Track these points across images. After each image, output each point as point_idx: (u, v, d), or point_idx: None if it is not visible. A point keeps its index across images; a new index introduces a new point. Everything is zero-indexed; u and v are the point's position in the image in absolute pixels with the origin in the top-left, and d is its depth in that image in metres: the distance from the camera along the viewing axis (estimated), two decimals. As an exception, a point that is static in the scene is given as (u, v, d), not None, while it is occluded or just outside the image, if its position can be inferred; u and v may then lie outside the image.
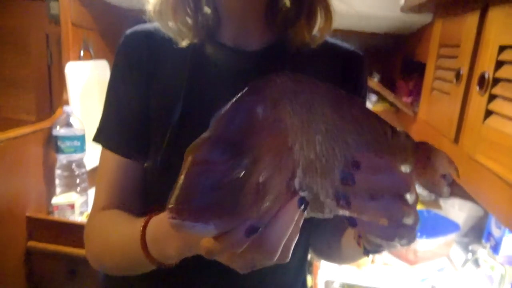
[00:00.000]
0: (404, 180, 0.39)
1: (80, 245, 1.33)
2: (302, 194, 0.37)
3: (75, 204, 1.41)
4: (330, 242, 0.71)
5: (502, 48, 0.74)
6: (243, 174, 0.32)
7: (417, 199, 0.41)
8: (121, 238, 0.57)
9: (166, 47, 0.62)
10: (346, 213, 0.38)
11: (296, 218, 0.35)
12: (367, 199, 0.37)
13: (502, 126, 0.71)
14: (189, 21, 0.61)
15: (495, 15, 0.78)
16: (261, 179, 0.33)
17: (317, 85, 0.39)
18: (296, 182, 0.37)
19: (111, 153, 0.64)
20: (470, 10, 0.91)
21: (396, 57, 1.74)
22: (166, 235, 0.48)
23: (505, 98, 0.72)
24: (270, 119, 0.35)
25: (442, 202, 1.53)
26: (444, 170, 0.48)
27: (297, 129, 0.37)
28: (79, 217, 1.43)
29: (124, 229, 0.56)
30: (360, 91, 0.69)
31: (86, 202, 1.51)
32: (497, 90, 0.75)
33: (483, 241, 1.31)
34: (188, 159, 0.33)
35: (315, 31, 0.64)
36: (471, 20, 0.89)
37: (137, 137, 0.63)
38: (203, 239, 0.35)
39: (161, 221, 0.50)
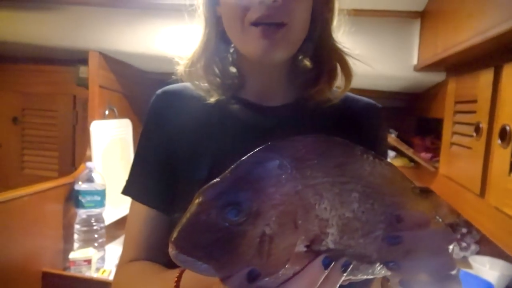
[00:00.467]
0: (449, 234, 0.40)
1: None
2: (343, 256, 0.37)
3: (92, 259, 1.39)
4: None
5: (520, 102, 0.76)
6: (245, 222, 0.34)
7: (454, 247, 0.41)
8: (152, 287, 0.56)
9: (194, 104, 0.66)
10: (396, 275, 0.38)
11: (321, 279, 0.35)
12: (416, 259, 0.37)
13: (529, 178, 0.70)
14: (217, 80, 0.65)
15: (510, 71, 0.81)
16: (267, 232, 0.35)
17: (351, 146, 0.40)
18: (330, 242, 0.37)
19: (140, 205, 0.66)
20: (484, 67, 0.94)
21: (411, 115, 1.77)
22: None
23: (530, 150, 0.72)
24: (284, 176, 0.36)
25: (472, 260, 1.47)
26: (447, 220, 0.50)
27: (324, 188, 0.37)
28: (95, 273, 1.41)
29: (155, 282, 0.56)
30: (380, 142, 0.70)
31: (103, 258, 1.49)
32: (520, 142, 0.75)
33: (519, 303, 1.23)
34: (195, 200, 0.36)
35: (335, 88, 0.68)
36: (486, 76, 0.92)
37: (165, 190, 0.65)
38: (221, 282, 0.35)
39: (196, 276, 0.49)
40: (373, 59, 1.33)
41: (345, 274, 0.36)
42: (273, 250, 0.34)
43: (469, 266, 1.46)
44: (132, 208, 0.68)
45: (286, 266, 0.35)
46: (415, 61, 1.32)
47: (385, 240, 0.38)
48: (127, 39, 1.50)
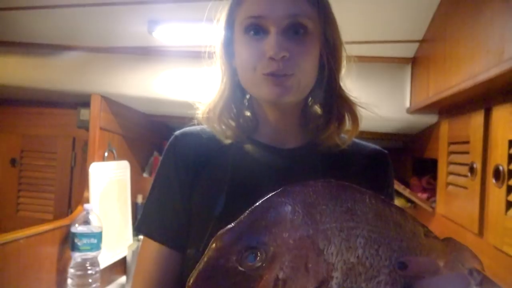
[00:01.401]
0: (465, 279, 0.40)
1: None
2: None
3: (86, 306, 1.35)
4: None
5: (511, 142, 0.79)
6: (259, 266, 0.35)
7: None
8: None
9: (211, 146, 0.69)
10: None
11: None
12: None
13: (526, 217, 0.72)
14: (232, 123, 0.69)
15: (500, 113, 0.85)
16: (281, 276, 0.36)
17: (360, 192, 0.42)
18: (335, 284, 0.38)
19: (152, 242, 0.67)
20: (474, 110, 0.99)
21: (406, 156, 1.80)
22: None
23: (524, 189, 0.74)
24: (297, 221, 0.38)
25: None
26: (469, 265, 0.49)
27: (332, 234, 0.39)
28: (87, 321, 1.36)
29: None
30: (388, 187, 0.72)
31: (96, 305, 1.44)
32: (514, 181, 0.78)
33: None
34: (212, 245, 0.37)
35: (343, 132, 0.71)
36: (477, 118, 0.96)
37: (178, 228, 0.67)
38: None
39: None
40: (368, 102, 1.39)
41: None
42: (275, 274, 0.35)
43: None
44: (144, 245, 0.69)
45: None
46: (407, 104, 1.37)
47: (402, 286, 0.39)
48: (128, 83, 1.55)
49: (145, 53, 1.52)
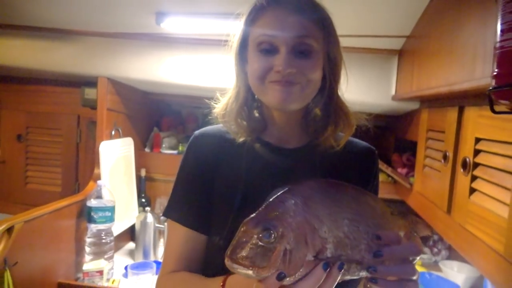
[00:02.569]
0: (416, 247, 0.58)
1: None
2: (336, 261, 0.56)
3: (104, 270, 1.52)
4: None
5: (477, 140, 0.95)
6: (273, 241, 0.52)
7: (418, 258, 0.62)
8: None
9: (227, 145, 0.82)
10: (374, 276, 0.57)
11: (323, 278, 0.53)
12: (388, 266, 0.56)
13: (484, 203, 0.88)
14: (244, 123, 0.81)
15: (470, 113, 1.00)
16: (288, 248, 0.53)
17: (344, 186, 0.61)
18: (328, 253, 0.56)
19: (178, 226, 0.80)
20: (450, 105, 1.14)
21: (389, 134, 1.97)
22: None
23: (484, 180, 0.91)
24: (297, 210, 0.56)
25: (442, 265, 1.67)
26: (423, 233, 0.70)
27: (324, 217, 0.57)
28: (106, 283, 1.53)
29: (200, 286, 0.71)
30: (374, 178, 0.87)
31: (112, 269, 1.62)
32: (477, 172, 0.94)
33: (481, 301, 1.43)
34: (241, 228, 0.55)
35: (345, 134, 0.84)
36: (452, 114, 1.11)
37: (202, 215, 0.80)
38: (258, 283, 0.53)
39: (239, 281, 0.65)
40: (358, 89, 1.53)
41: (341, 272, 0.54)
42: (292, 259, 0.52)
43: (439, 270, 1.67)
44: (171, 229, 0.82)
45: (301, 269, 0.53)
46: (393, 91, 1.52)
47: (373, 253, 0.57)
48: (134, 67, 1.64)
49: (151, 40, 1.60)
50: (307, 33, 0.73)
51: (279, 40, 0.72)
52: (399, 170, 1.76)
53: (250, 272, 0.51)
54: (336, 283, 0.55)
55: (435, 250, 1.84)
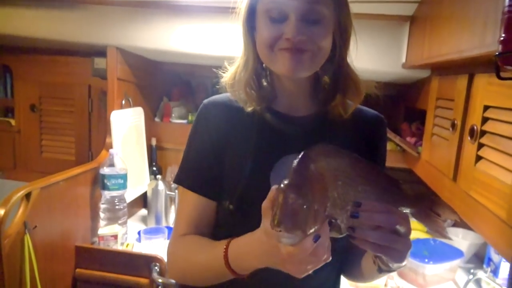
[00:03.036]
0: (394, 218, 0.60)
1: (122, 271, 1.49)
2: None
3: (118, 235, 1.58)
4: (355, 265, 0.88)
5: (486, 107, 0.95)
6: (307, 207, 0.55)
7: (409, 231, 0.63)
8: (206, 256, 0.75)
9: (236, 115, 0.82)
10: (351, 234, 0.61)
11: (313, 247, 0.56)
12: (367, 230, 0.59)
13: (490, 170, 0.89)
14: (253, 92, 0.81)
15: (479, 81, 0.99)
16: (316, 207, 0.56)
17: (342, 153, 0.64)
18: (327, 211, 0.59)
19: (190, 192, 0.83)
20: (460, 73, 1.12)
21: (399, 103, 1.96)
22: (245, 254, 0.66)
23: (491, 147, 0.91)
24: (316, 173, 0.59)
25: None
26: (446, 217, 0.70)
27: (329, 179, 0.60)
28: (120, 246, 1.60)
29: (208, 249, 0.75)
30: (382, 146, 0.89)
31: (126, 233, 1.69)
32: (484, 140, 0.94)
33: (484, 266, 1.47)
34: (280, 196, 0.56)
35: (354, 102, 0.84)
36: (462, 81, 1.10)
37: (212, 181, 0.82)
38: (286, 248, 0.55)
39: (241, 244, 0.68)
40: (369, 57, 1.51)
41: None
42: (317, 216, 0.55)
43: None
44: (182, 195, 0.85)
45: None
46: (403, 59, 1.50)
47: (350, 214, 0.60)
48: (144, 36, 1.64)
49: (160, 8, 1.59)
50: (319, 1, 0.72)
51: (288, 7, 0.71)
52: (408, 139, 1.76)
53: (299, 232, 0.54)
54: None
55: (455, 212, 1.86)
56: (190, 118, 2.08)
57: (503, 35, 0.51)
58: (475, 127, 0.99)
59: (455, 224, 1.85)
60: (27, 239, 1.27)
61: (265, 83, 0.84)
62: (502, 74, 0.55)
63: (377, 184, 0.64)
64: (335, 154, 0.62)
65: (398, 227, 0.61)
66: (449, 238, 0.77)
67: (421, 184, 1.54)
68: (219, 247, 0.71)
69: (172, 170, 2.13)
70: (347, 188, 0.61)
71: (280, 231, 0.53)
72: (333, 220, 0.60)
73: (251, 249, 0.66)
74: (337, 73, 0.81)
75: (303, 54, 0.72)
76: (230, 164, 0.82)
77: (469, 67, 1.07)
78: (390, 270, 0.70)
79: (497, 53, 0.52)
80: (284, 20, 0.72)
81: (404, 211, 0.66)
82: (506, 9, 0.50)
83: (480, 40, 0.86)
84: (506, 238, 0.80)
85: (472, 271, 1.28)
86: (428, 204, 0.68)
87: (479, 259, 1.61)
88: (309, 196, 0.55)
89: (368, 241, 0.59)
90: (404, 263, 0.66)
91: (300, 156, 0.60)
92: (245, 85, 0.81)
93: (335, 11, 0.75)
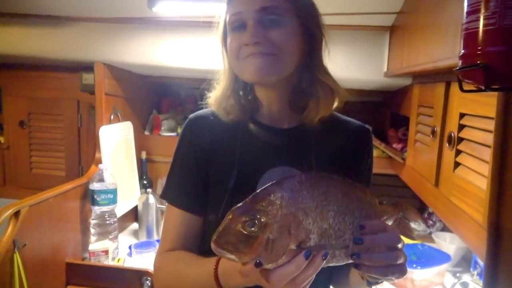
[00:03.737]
0: (396, 236, 0.61)
1: (114, 287, 1.49)
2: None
3: (109, 250, 1.58)
4: (342, 278, 0.89)
5: (462, 115, 0.97)
6: (256, 231, 0.56)
7: (404, 243, 0.64)
8: (194, 271, 0.76)
9: (220, 128, 0.84)
10: (357, 261, 0.60)
11: (303, 265, 0.56)
12: (371, 253, 0.59)
13: (467, 176, 0.92)
14: (237, 106, 0.83)
15: (455, 88, 1.02)
16: (270, 237, 0.56)
17: (333, 179, 0.63)
18: (312, 242, 0.59)
19: (174, 208, 0.84)
20: (438, 81, 1.16)
21: (385, 110, 1.99)
22: (234, 272, 0.67)
23: (468, 154, 0.94)
24: (284, 203, 0.58)
25: (434, 236, 1.72)
26: (413, 220, 0.74)
27: (309, 209, 0.59)
28: (111, 261, 1.60)
29: (197, 265, 0.76)
30: (368, 158, 0.89)
31: (117, 248, 1.69)
32: (461, 146, 0.97)
33: (471, 269, 1.49)
34: (228, 216, 0.58)
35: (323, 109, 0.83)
36: (440, 89, 1.13)
37: (197, 197, 0.83)
38: (242, 266, 0.57)
39: (230, 263, 0.70)
40: (351, 66, 1.54)
41: (325, 260, 0.58)
42: (274, 247, 0.56)
43: (432, 241, 1.72)
44: (168, 211, 0.86)
45: (283, 257, 0.56)
46: (385, 68, 1.53)
47: (353, 241, 0.60)
48: (130, 51, 1.66)
49: (145, 23, 1.61)
50: (272, 3, 0.74)
51: (245, 15, 0.74)
52: (395, 145, 1.79)
53: (233, 256, 0.55)
54: (322, 267, 0.58)
55: (430, 222, 1.89)
56: (179, 130, 2.10)
57: (463, 50, 0.54)
58: (452, 134, 1.02)
59: (444, 228, 1.87)
60: (17, 257, 1.27)
61: (248, 96, 0.85)
62: (465, 87, 0.57)
63: (369, 206, 0.65)
64: (326, 182, 0.62)
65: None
66: (416, 238, 0.81)
67: (406, 188, 1.57)
68: (209, 263, 0.72)
69: (163, 183, 2.12)
70: (342, 216, 0.61)
71: (214, 245, 0.55)
72: (327, 252, 0.59)
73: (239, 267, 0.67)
74: (310, 81, 0.82)
75: (266, 57, 0.74)
76: (215, 178, 0.83)
77: (446, 75, 1.10)
78: (378, 283, 0.71)
79: (457, 68, 0.55)
80: (244, 27, 0.75)
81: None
82: (464, 26, 0.53)
83: (452, 50, 0.89)
84: (483, 240, 0.82)
85: (458, 274, 1.30)
86: (401, 212, 0.71)
87: (467, 262, 1.63)
88: (259, 223, 0.56)
89: (374, 266, 0.60)
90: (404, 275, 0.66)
91: (271, 183, 0.61)
92: (228, 99, 0.83)
93: (296, 16, 0.76)
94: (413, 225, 0.73)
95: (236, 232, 0.56)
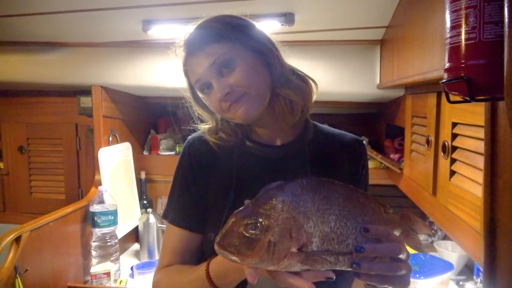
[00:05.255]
0: (398, 247, 0.61)
1: (117, 310, 1.49)
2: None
3: (111, 272, 1.58)
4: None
5: (454, 124, 0.99)
6: (258, 233, 0.57)
7: (409, 255, 0.64)
8: (188, 279, 0.78)
9: (218, 147, 0.86)
10: (356, 270, 0.60)
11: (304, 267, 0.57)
12: (372, 263, 0.59)
13: (462, 184, 0.93)
14: (231, 132, 0.85)
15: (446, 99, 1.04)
16: (272, 240, 0.57)
17: (335, 184, 0.64)
18: (314, 246, 0.59)
19: (174, 227, 0.85)
20: (430, 91, 1.18)
21: (380, 121, 2.01)
22: (226, 270, 0.70)
23: (462, 162, 0.95)
24: (285, 207, 0.59)
25: (436, 245, 1.72)
26: (423, 233, 0.74)
27: (310, 213, 0.60)
28: (113, 283, 1.59)
29: (190, 273, 0.78)
30: (363, 169, 0.91)
31: (119, 270, 1.68)
32: (456, 155, 0.99)
33: (474, 277, 1.49)
34: (231, 219, 0.60)
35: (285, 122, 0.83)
36: (431, 100, 1.16)
37: (196, 216, 0.85)
38: (246, 268, 0.58)
39: (221, 262, 0.71)
40: (345, 80, 1.57)
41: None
42: (276, 250, 0.57)
43: (434, 249, 1.72)
44: (168, 230, 0.88)
45: (284, 260, 0.57)
46: (378, 80, 1.56)
47: (354, 249, 0.60)
48: (127, 73, 1.69)
49: (141, 46, 1.64)
50: (217, 53, 0.77)
51: (204, 77, 0.78)
52: (392, 155, 1.80)
53: (236, 258, 0.56)
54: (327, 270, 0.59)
55: (429, 227, 1.89)
56: (177, 149, 2.11)
57: (447, 64, 0.56)
58: (446, 143, 1.03)
59: (445, 237, 1.87)
60: (18, 282, 1.27)
61: (236, 124, 0.87)
62: (452, 98, 0.59)
63: (373, 212, 0.65)
64: (327, 186, 0.62)
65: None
66: (426, 252, 0.80)
67: (405, 198, 1.58)
68: (201, 268, 0.74)
69: (163, 202, 2.14)
70: (344, 220, 0.61)
71: (217, 247, 0.57)
72: (327, 258, 0.59)
73: (230, 264, 0.67)
74: (275, 98, 0.82)
75: (242, 99, 0.77)
76: (214, 197, 0.85)
77: (436, 86, 1.13)
78: None
79: (443, 81, 0.57)
80: (210, 86, 0.79)
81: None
82: (447, 40, 0.55)
83: (439, 62, 0.92)
84: (481, 247, 0.83)
85: (461, 283, 1.29)
86: (409, 223, 0.71)
87: (470, 270, 1.63)
88: (260, 226, 0.57)
89: (374, 275, 0.59)
90: None
91: (275, 185, 0.62)
92: (218, 132, 0.86)
93: (242, 46, 0.78)
94: (422, 237, 0.73)
95: (238, 235, 0.57)
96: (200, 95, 0.83)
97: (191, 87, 0.85)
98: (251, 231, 0.57)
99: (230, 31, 0.78)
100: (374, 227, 0.62)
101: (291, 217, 0.58)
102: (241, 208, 0.60)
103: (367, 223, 0.63)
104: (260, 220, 0.57)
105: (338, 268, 0.61)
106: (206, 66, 0.77)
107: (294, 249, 0.58)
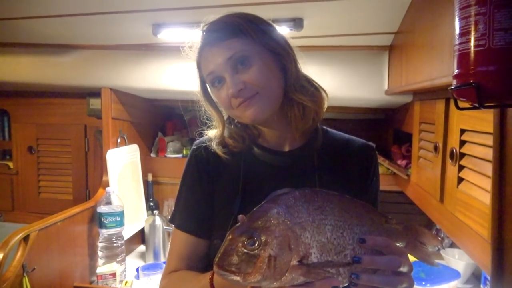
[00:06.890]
0: (398, 260, 0.60)
1: (122, 311, 1.49)
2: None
3: (116, 273, 1.59)
4: None
5: (462, 131, 0.99)
6: (257, 248, 0.56)
7: (411, 268, 0.62)
8: (192, 285, 0.77)
9: (225, 153, 0.85)
10: (355, 281, 0.59)
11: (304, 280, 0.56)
12: (371, 275, 0.58)
13: (470, 191, 0.92)
14: (239, 138, 0.85)
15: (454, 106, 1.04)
16: (272, 254, 0.56)
17: (329, 194, 0.63)
18: (313, 258, 0.59)
19: (181, 232, 0.86)
20: (438, 98, 1.18)
21: (387, 127, 2.01)
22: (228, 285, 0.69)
23: (470, 169, 0.95)
24: (280, 219, 0.59)
25: (443, 253, 1.70)
26: (431, 245, 0.70)
27: (306, 223, 0.59)
28: (119, 284, 1.60)
29: (195, 282, 0.77)
30: (374, 175, 0.89)
31: (124, 271, 1.69)
32: (464, 162, 0.98)
33: (482, 286, 1.47)
34: (227, 237, 0.59)
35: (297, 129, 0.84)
36: (440, 106, 1.15)
37: (202, 221, 0.85)
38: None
39: None
40: (353, 85, 1.57)
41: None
42: (277, 264, 0.56)
43: (441, 257, 1.70)
44: (175, 234, 0.88)
45: (286, 274, 0.56)
46: (386, 86, 1.56)
47: (352, 259, 0.59)
48: (136, 76, 1.70)
49: (150, 50, 1.66)
50: (235, 50, 0.76)
51: (218, 70, 0.77)
52: (399, 161, 1.80)
53: (238, 278, 0.55)
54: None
55: (438, 238, 1.87)
56: (184, 152, 2.12)
57: (456, 70, 0.56)
58: (454, 150, 1.03)
59: (452, 245, 1.86)
60: (26, 281, 1.28)
61: (244, 128, 0.87)
62: (460, 105, 0.59)
63: (372, 223, 0.64)
64: (321, 197, 0.62)
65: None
66: (437, 265, 0.77)
67: (412, 205, 1.57)
68: (205, 279, 0.74)
69: (169, 204, 2.15)
70: (340, 230, 0.60)
71: (216, 268, 0.55)
72: (329, 269, 0.58)
73: None
74: (289, 104, 0.82)
75: (253, 99, 0.76)
76: (220, 202, 0.85)
77: (445, 92, 1.12)
78: None
79: (452, 87, 0.57)
80: (222, 80, 0.78)
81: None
82: (456, 47, 0.55)
83: (448, 68, 0.91)
84: (489, 255, 0.82)
85: (468, 291, 1.28)
86: (415, 235, 0.69)
87: (477, 279, 1.61)
88: (259, 241, 0.56)
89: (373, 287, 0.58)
90: None
91: (267, 200, 0.61)
92: (231, 133, 0.85)
93: (260, 46, 0.78)
94: (430, 249, 0.69)
95: (237, 253, 0.56)
96: (210, 88, 0.82)
97: (202, 80, 0.84)
98: (249, 247, 0.56)
99: (251, 28, 0.78)
100: (371, 238, 0.61)
101: (288, 228, 0.58)
102: (237, 225, 0.59)
103: (365, 233, 0.62)
104: (258, 234, 0.56)
105: (341, 283, 0.60)
106: (222, 59, 0.76)
107: (295, 262, 0.57)
